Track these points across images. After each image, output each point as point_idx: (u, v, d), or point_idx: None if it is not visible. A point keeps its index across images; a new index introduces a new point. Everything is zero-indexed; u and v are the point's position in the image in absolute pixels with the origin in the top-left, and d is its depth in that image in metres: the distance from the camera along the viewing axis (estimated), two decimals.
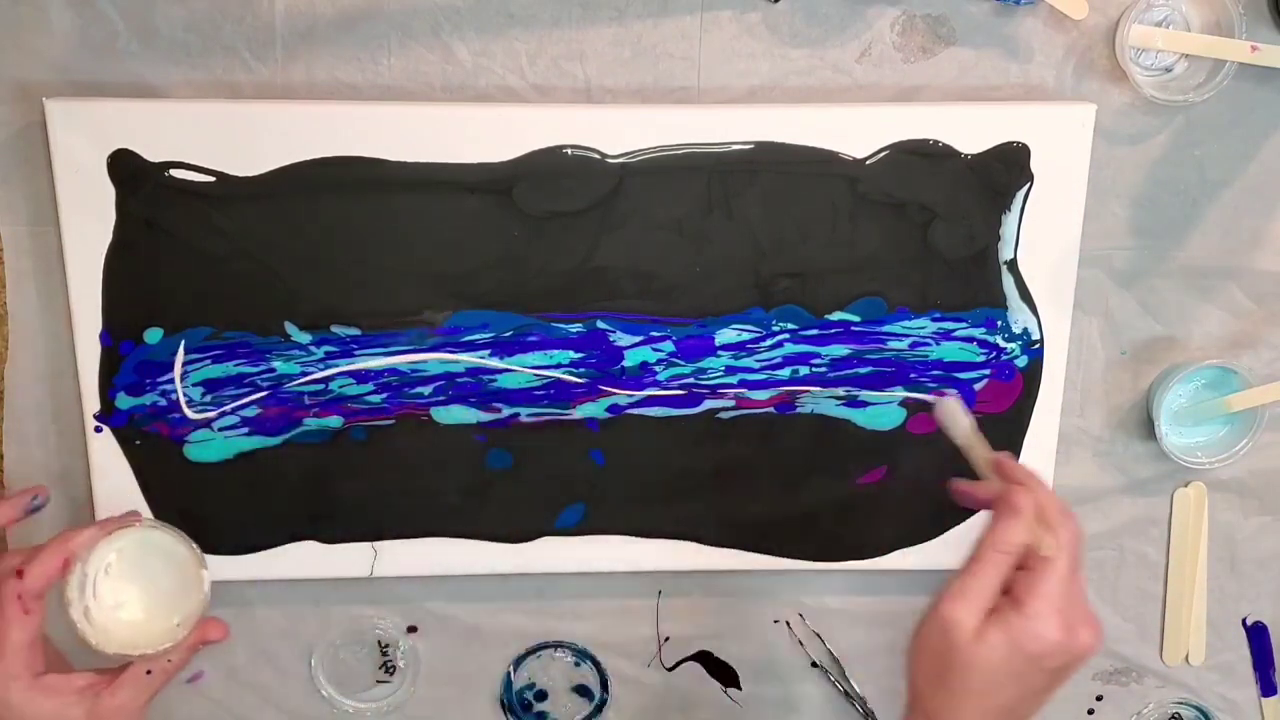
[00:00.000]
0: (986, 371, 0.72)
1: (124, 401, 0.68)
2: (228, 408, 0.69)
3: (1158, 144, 0.71)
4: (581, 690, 0.78)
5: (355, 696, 0.77)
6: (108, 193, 0.65)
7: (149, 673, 0.62)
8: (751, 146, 0.67)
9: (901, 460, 0.73)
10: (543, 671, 0.78)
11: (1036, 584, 0.58)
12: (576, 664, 0.78)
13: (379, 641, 0.76)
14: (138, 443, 0.69)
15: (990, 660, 0.57)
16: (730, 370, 0.71)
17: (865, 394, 0.72)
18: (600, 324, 0.69)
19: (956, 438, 0.65)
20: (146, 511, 0.70)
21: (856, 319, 0.70)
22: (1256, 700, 0.82)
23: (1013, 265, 0.70)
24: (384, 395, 0.69)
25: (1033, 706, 0.60)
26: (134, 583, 0.63)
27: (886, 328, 0.71)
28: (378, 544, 0.72)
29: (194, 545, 0.63)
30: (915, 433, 0.72)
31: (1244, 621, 0.80)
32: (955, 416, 0.65)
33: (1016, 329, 0.71)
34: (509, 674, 0.77)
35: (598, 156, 0.67)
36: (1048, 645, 0.57)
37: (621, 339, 0.70)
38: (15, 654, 0.59)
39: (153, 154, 0.65)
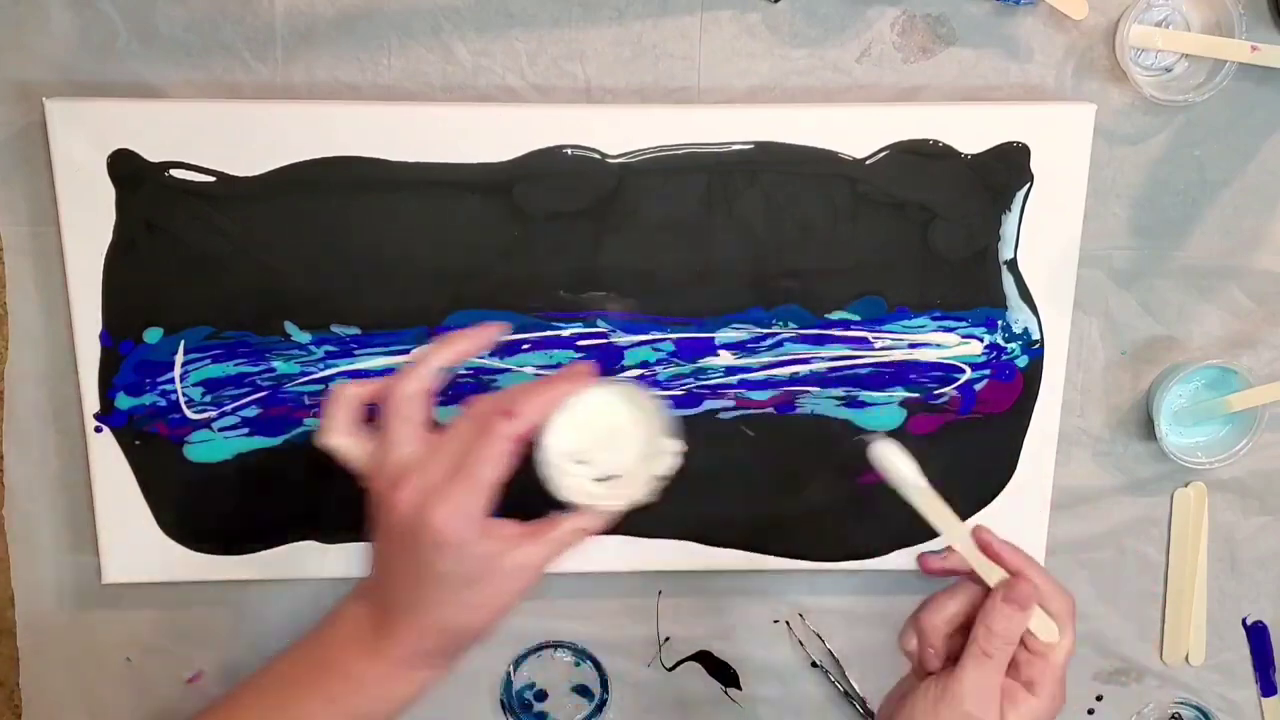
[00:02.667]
0: (987, 371, 0.72)
1: (124, 401, 0.68)
2: (228, 408, 0.69)
3: (1158, 144, 0.71)
4: (581, 690, 0.78)
5: None
6: (108, 193, 0.65)
7: (566, 533, 0.58)
8: (751, 146, 0.67)
9: None
10: (543, 671, 0.78)
11: (1051, 667, 0.61)
12: (576, 664, 0.78)
13: None
14: (138, 443, 0.69)
15: None
16: (730, 370, 0.71)
17: (865, 394, 0.72)
18: (600, 324, 0.69)
19: (902, 489, 0.61)
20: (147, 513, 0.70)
21: (856, 318, 0.70)
22: (1256, 700, 0.82)
23: (1013, 265, 0.70)
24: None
25: None
26: (596, 436, 0.59)
27: (886, 327, 0.71)
28: None
29: (663, 416, 0.59)
30: (915, 433, 0.72)
31: (1244, 621, 0.80)
32: (892, 462, 0.61)
33: (1017, 329, 0.71)
34: (509, 674, 0.77)
35: (598, 156, 0.67)
36: (1056, 714, 0.62)
37: (621, 339, 0.70)
38: (483, 491, 0.55)
39: (153, 154, 0.65)
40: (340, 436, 0.59)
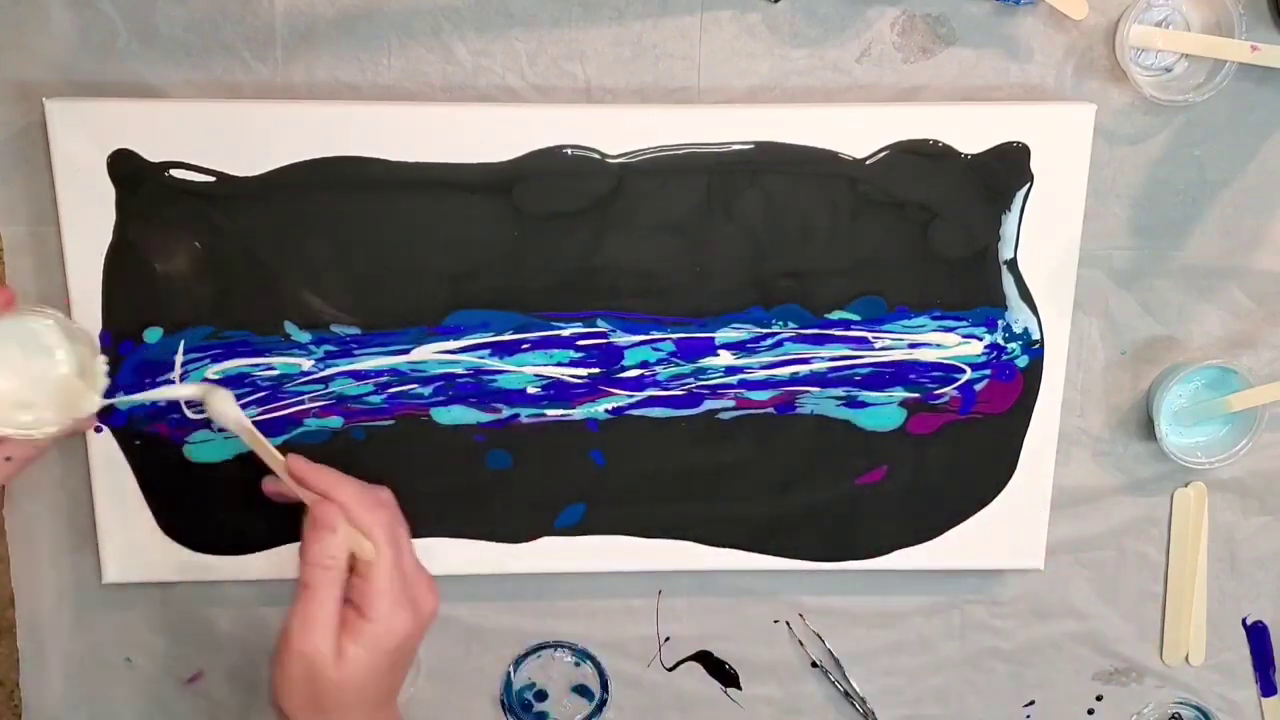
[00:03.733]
0: (987, 371, 0.72)
1: (123, 402, 0.68)
2: None
3: (1158, 144, 0.71)
4: (581, 690, 0.78)
5: None
6: (108, 193, 0.65)
7: (8, 459, 0.61)
8: (751, 146, 0.67)
9: (901, 460, 0.73)
10: (543, 671, 0.78)
11: (372, 587, 0.60)
12: (576, 664, 0.78)
13: None
14: (137, 443, 0.69)
15: (359, 673, 0.59)
16: (730, 371, 0.71)
17: (865, 394, 0.72)
18: (600, 324, 0.69)
19: (232, 430, 0.63)
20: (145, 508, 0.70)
21: (856, 318, 0.70)
22: (1256, 700, 0.82)
23: (1013, 265, 0.70)
24: (384, 395, 0.69)
25: (397, 687, 0.63)
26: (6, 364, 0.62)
27: (886, 327, 0.71)
28: None
29: (83, 337, 0.63)
30: (915, 433, 0.72)
31: (1244, 621, 0.80)
32: (222, 408, 0.63)
33: (1017, 329, 0.71)
34: (509, 674, 0.77)
35: (598, 156, 0.67)
36: (403, 634, 0.61)
37: (621, 339, 0.70)
38: None
39: (153, 154, 0.65)
40: None
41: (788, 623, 0.78)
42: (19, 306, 0.62)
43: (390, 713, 0.63)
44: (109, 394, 0.64)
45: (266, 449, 0.64)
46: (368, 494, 0.64)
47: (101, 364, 0.64)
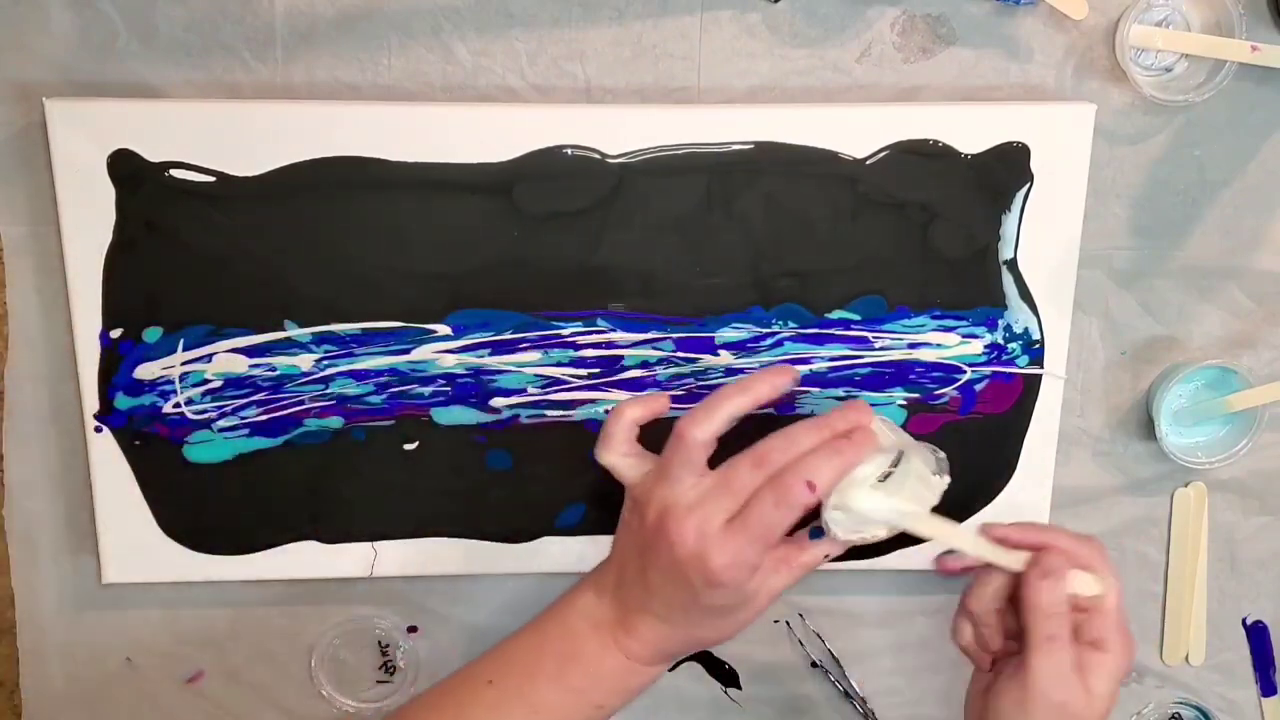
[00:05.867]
0: (987, 371, 0.72)
1: (123, 402, 0.68)
2: (228, 408, 0.69)
3: (1158, 144, 0.71)
4: None
5: (355, 696, 0.77)
6: (108, 193, 0.65)
7: (818, 558, 0.62)
8: (751, 146, 0.67)
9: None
10: None
11: (1107, 619, 0.62)
12: None
13: (379, 641, 0.76)
14: (137, 443, 0.69)
15: (1101, 705, 0.61)
16: (730, 371, 0.71)
17: (865, 394, 0.72)
18: (600, 323, 0.69)
19: (902, 525, 0.62)
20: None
21: (856, 318, 0.70)
22: (1256, 700, 0.82)
23: (1013, 265, 0.70)
24: (384, 395, 0.69)
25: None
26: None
27: (886, 327, 0.71)
28: (378, 544, 0.72)
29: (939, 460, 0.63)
30: (915, 433, 0.72)
31: (1244, 621, 0.80)
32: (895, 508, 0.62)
33: (1017, 329, 0.71)
34: None
35: (598, 156, 0.67)
36: (1131, 663, 0.63)
37: (621, 338, 0.70)
38: (766, 546, 0.59)
39: (153, 154, 0.65)
40: (617, 456, 0.63)
41: (788, 623, 0.78)
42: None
43: None
44: None
45: (944, 527, 0.63)
46: (1069, 531, 0.65)
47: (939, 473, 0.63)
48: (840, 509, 0.60)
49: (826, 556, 0.62)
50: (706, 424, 0.60)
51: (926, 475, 0.62)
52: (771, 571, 0.61)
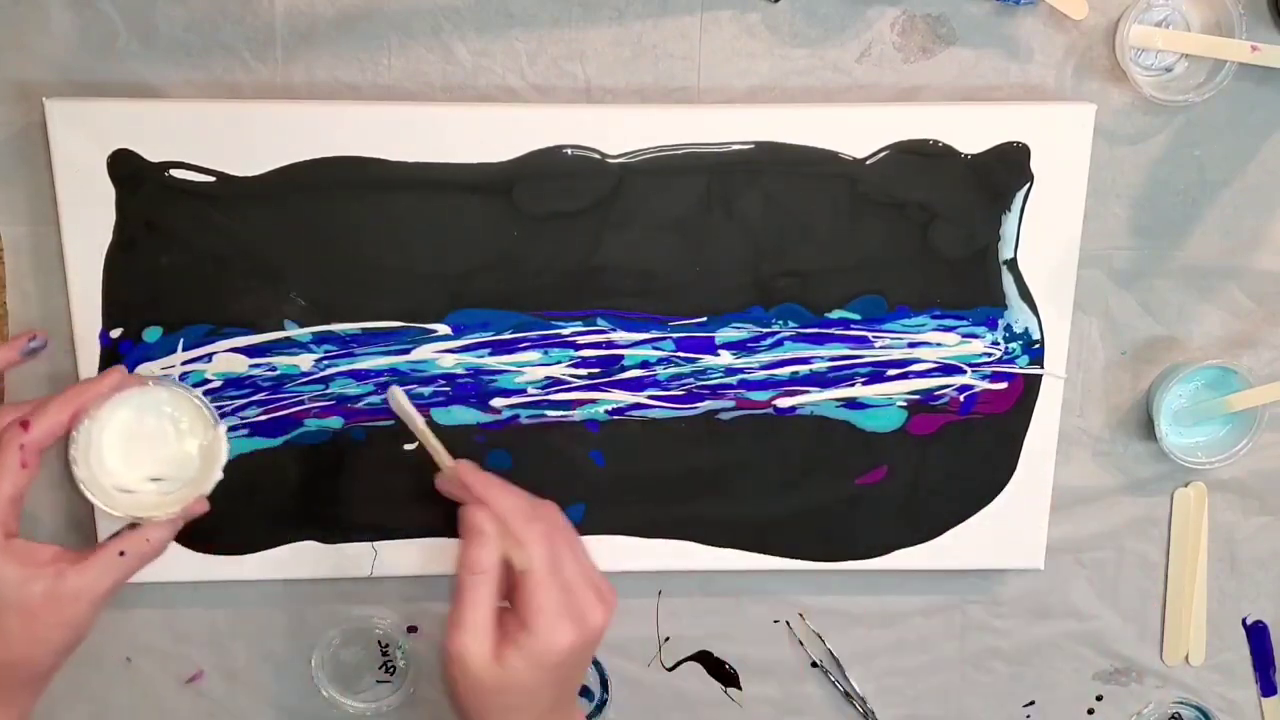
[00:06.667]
0: (987, 371, 0.72)
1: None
2: (228, 408, 0.69)
3: (1158, 144, 0.71)
4: (581, 690, 0.78)
5: (355, 696, 0.77)
6: (108, 193, 0.65)
7: (122, 554, 0.57)
8: (751, 146, 0.67)
9: (902, 460, 0.73)
10: None
11: (530, 599, 0.58)
12: None
13: (379, 641, 0.76)
14: None
15: (519, 680, 0.58)
16: (730, 371, 0.71)
17: (865, 395, 0.72)
18: (600, 323, 0.69)
19: (408, 425, 0.66)
20: None
21: (857, 317, 0.70)
22: (1256, 700, 0.82)
23: (1013, 265, 0.70)
24: (384, 395, 0.69)
25: (573, 691, 0.64)
26: (140, 445, 0.59)
27: (886, 326, 0.71)
28: (378, 544, 0.72)
29: (209, 408, 0.60)
30: (915, 433, 0.72)
31: (1244, 621, 0.80)
32: (403, 408, 0.66)
33: (1017, 329, 0.71)
34: None
35: (598, 156, 0.67)
36: (565, 649, 0.59)
37: (621, 338, 0.70)
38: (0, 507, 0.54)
39: (153, 154, 0.65)
40: None
41: (788, 623, 0.78)
42: (140, 379, 0.60)
43: (565, 715, 0.62)
44: None
45: (437, 449, 0.65)
46: (527, 505, 0.62)
47: (223, 438, 0.60)
48: (100, 474, 0.58)
49: (148, 546, 0.58)
50: None
51: (211, 431, 0.60)
52: (58, 570, 0.55)
